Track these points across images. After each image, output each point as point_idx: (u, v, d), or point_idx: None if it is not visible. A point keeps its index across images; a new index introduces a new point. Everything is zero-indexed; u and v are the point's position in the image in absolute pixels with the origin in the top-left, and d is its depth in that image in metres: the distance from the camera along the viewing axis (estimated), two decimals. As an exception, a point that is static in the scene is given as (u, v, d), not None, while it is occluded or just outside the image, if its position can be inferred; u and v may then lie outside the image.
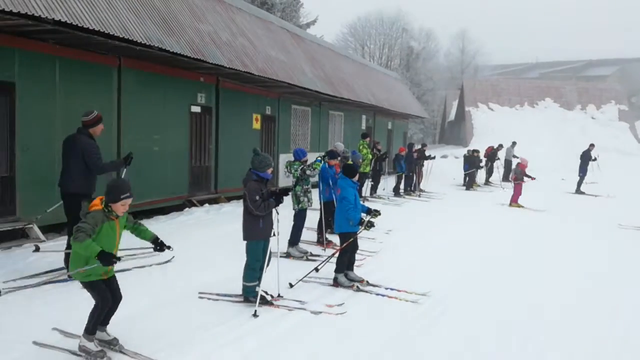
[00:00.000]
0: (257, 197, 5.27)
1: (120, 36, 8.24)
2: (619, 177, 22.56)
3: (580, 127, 38.10)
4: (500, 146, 22.42)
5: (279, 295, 5.69)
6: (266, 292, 5.49)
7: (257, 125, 14.28)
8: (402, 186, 16.36)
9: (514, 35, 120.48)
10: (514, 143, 23.67)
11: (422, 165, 17.73)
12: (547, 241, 10.02)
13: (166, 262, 6.85)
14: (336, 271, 6.32)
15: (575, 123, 38.53)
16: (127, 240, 4.89)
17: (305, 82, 14.63)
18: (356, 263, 7.01)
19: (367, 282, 6.34)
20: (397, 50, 53.72)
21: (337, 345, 4.61)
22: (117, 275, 4.46)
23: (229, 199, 12.54)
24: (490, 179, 21.29)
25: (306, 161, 7.83)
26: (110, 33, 8.04)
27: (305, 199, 7.74)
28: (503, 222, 12.19)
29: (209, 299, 5.52)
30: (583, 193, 19.03)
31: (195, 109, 11.83)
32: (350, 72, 20.25)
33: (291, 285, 6.03)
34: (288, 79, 13.67)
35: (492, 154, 21.54)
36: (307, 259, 7.27)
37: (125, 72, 9.81)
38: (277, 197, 5.55)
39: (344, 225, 6.32)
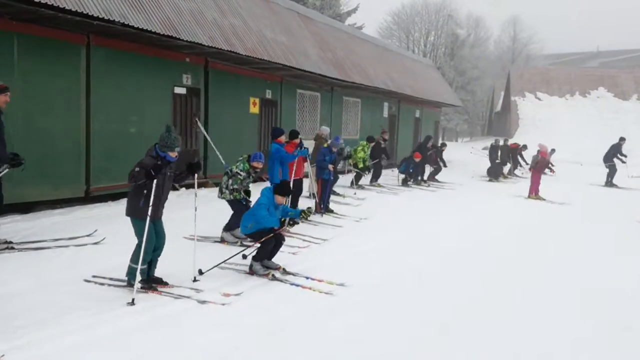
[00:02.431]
0: (137, 168, 4.80)
1: (73, 9, 7.92)
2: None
3: (635, 118, 35.30)
4: (525, 147, 20.75)
5: (194, 280, 5.24)
6: (159, 279, 5.01)
7: (254, 109, 13.80)
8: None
9: (573, 23, 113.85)
10: (553, 150, 22.02)
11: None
12: (538, 243, 8.64)
13: (95, 243, 6.51)
14: (254, 258, 5.75)
15: (631, 114, 35.73)
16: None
17: (306, 65, 13.98)
18: (293, 250, 6.43)
19: (284, 269, 5.74)
20: (442, 38, 51.85)
21: (191, 337, 4.09)
22: (32, 252, 4.20)
23: (217, 185, 12.13)
24: (516, 171, 19.81)
25: (256, 167, 7.36)
26: (60, 6, 7.73)
27: (227, 192, 7.30)
28: (497, 214, 11.14)
29: (95, 282, 5.10)
30: (615, 186, 17.39)
31: (180, 90, 11.47)
32: (367, 56, 19.38)
33: (201, 272, 5.51)
34: (285, 60, 13.08)
35: (513, 150, 19.98)
36: (242, 244, 6.73)
37: (96, 51, 9.53)
38: (189, 168, 5.21)
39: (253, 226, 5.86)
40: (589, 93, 38.16)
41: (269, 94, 14.33)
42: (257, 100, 13.84)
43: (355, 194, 12.11)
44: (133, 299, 4.59)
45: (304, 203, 9.80)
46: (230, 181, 7.35)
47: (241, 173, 7.30)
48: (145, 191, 4.89)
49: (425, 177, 16.10)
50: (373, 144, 13.91)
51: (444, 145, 18.30)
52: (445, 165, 16.94)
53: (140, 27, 9.03)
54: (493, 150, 18.49)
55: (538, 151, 14.06)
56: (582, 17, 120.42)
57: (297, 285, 5.34)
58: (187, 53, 11.40)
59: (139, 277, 4.78)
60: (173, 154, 5.08)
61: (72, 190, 9.36)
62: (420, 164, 15.20)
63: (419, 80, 24.05)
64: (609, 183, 17.69)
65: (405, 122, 23.62)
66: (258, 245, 5.72)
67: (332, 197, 11.26)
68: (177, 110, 11.47)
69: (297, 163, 8.64)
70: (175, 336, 4.06)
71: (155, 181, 4.88)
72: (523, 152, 20.46)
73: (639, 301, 5.85)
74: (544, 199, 13.34)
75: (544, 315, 5.15)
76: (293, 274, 5.67)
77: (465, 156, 25.31)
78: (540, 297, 5.75)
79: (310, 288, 5.26)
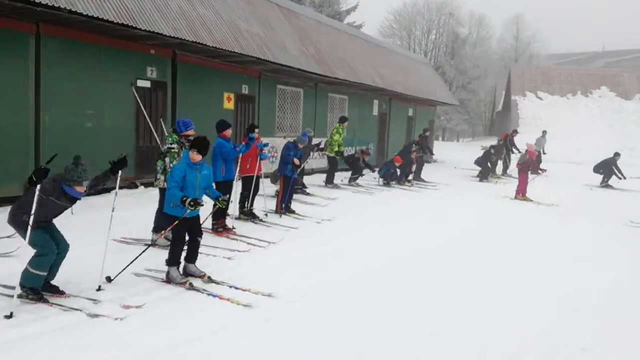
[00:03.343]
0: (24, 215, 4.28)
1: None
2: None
3: (638, 118, 34.47)
4: (515, 132, 20.09)
5: (98, 289, 4.65)
6: (55, 287, 4.45)
7: (229, 104, 13.24)
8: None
9: (579, 22, 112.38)
10: (544, 132, 21.30)
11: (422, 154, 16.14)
12: (501, 248, 7.93)
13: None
14: (168, 264, 5.15)
15: (633, 114, 34.88)
16: None
17: (284, 59, 13.40)
18: (230, 254, 5.85)
19: (209, 277, 5.15)
20: (444, 37, 51.11)
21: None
22: None
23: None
24: (508, 171, 19.14)
25: (188, 136, 6.64)
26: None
27: (162, 177, 6.61)
28: (473, 217, 10.43)
29: (-14, 291, 4.54)
30: (611, 187, 16.70)
31: (144, 83, 10.93)
32: (355, 52, 18.78)
33: (109, 280, 4.94)
34: (259, 54, 12.50)
35: (504, 142, 19.33)
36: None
37: (46, 41, 9.00)
38: (113, 166, 4.70)
39: (168, 206, 5.16)
40: (591, 92, 37.33)
41: (245, 89, 13.77)
42: (232, 96, 13.28)
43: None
44: (11, 312, 4.02)
45: (264, 204, 9.24)
46: (167, 160, 6.61)
47: (173, 146, 6.61)
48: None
49: (410, 177, 15.48)
50: (345, 123, 13.30)
51: (426, 130, 17.62)
52: (432, 153, 16.28)
53: (89, 14, 8.49)
54: (486, 154, 17.76)
55: (526, 150, 13.39)
56: (587, 17, 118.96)
57: (215, 296, 4.75)
58: (151, 44, 10.86)
59: (22, 288, 4.23)
60: (80, 189, 4.48)
61: (18, 188, 8.82)
62: (402, 166, 14.59)
63: (411, 77, 23.40)
64: (605, 184, 17.01)
65: (397, 120, 22.98)
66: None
67: (300, 197, 10.70)
68: (141, 104, 10.91)
69: (251, 159, 8.02)
70: (46, 356, 3.49)
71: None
72: (514, 138, 19.79)
73: (594, 320, 5.22)
74: (531, 200, 12.69)
75: (488, 331, 4.57)
76: (217, 283, 5.08)
77: (459, 155, 24.73)
78: (493, 308, 5.17)
79: (228, 299, 4.68)
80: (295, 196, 10.81)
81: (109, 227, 4.98)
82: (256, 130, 8.16)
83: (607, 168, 17.00)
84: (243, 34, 12.51)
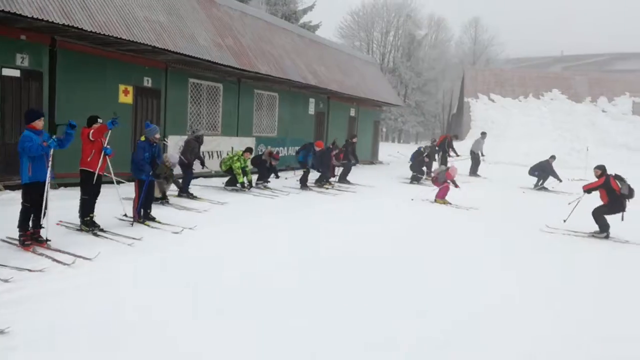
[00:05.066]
0: None
1: None
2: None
3: (588, 121, 34.58)
4: (456, 137, 19.46)
5: None
6: None
7: (126, 98, 12.00)
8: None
9: (538, 27, 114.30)
10: (483, 134, 20.72)
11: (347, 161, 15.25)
12: (374, 262, 6.78)
13: None
14: None
15: (584, 116, 34.98)
16: None
17: (187, 49, 12.24)
18: (8, 276, 4.67)
19: None
20: (401, 39, 50.75)
21: None
22: None
23: (65, 185, 10.31)
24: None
25: None
26: None
27: None
28: (374, 222, 9.42)
29: None
30: (546, 189, 16.16)
31: (11, 72, 9.64)
32: (285, 47, 17.76)
33: None
34: (156, 42, 11.32)
35: (441, 144, 18.68)
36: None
37: None
38: None
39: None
40: (543, 95, 37.34)
41: (148, 82, 12.56)
42: (129, 88, 12.05)
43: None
44: None
45: (123, 209, 8.05)
46: None
47: None
48: None
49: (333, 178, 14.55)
50: (249, 155, 12.13)
51: (353, 137, 16.67)
52: (357, 161, 15.40)
53: None
54: (417, 154, 16.97)
55: (448, 168, 12.54)
56: (547, 23, 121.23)
57: None
58: (20, 29, 9.58)
59: None
60: None
61: None
62: (323, 170, 13.61)
63: (352, 76, 22.54)
64: (540, 186, 16.44)
65: (337, 120, 22.06)
66: None
67: (178, 201, 9.55)
68: (9, 96, 9.63)
69: (95, 151, 6.74)
70: None
71: None
72: (453, 142, 19.10)
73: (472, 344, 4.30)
74: (450, 204, 11.88)
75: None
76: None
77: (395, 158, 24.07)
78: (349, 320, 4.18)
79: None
80: (173, 200, 9.70)
81: None
82: (99, 120, 6.87)
83: (543, 170, 16.44)
84: (139, 21, 11.32)
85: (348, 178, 15.25)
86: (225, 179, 12.20)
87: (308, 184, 13.25)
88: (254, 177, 12.60)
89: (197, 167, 11.71)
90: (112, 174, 7.39)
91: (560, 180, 16.12)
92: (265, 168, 12.71)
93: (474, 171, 19.83)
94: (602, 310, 5.48)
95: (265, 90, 17.03)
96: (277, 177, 12.92)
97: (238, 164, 11.52)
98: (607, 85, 37.47)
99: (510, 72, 41.40)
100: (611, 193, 9.10)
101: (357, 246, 7.34)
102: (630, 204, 9.19)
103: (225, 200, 9.97)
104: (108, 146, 6.90)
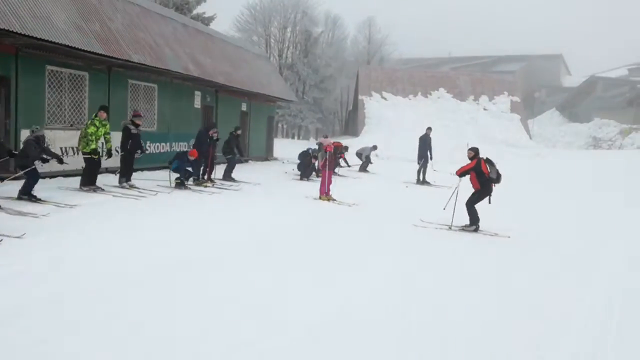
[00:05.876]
0: None
1: None
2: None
3: (471, 118, 36.70)
4: (346, 148, 19.46)
5: None
6: None
7: (-37, 86, 10.37)
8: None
9: (431, 30, 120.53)
10: (374, 147, 21.22)
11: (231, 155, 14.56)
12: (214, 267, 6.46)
13: None
14: None
15: (467, 114, 37.08)
16: None
17: (40, 32, 10.83)
18: None
19: None
20: (298, 35, 50.63)
21: None
22: None
23: None
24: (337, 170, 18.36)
25: None
26: None
27: None
28: (246, 222, 8.80)
29: None
30: (428, 183, 16.60)
31: None
32: (166, 35, 16.61)
33: None
34: (-1, 22, 9.86)
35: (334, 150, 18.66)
36: None
37: None
38: None
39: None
40: (431, 93, 39.06)
41: (-8, 69, 10.97)
42: (-33, 75, 10.42)
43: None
44: None
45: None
46: None
47: None
48: None
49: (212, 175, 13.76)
50: (103, 114, 10.73)
51: (237, 129, 15.94)
52: (242, 155, 14.75)
53: None
54: (304, 155, 16.64)
55: (320, 144, 12.28)
56: (439, 26, 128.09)
57: None
58: None
59: None
60: None
61: None
62: (197, 162, 12.77)
63: (242, 69, 21.78)
64: (422, 180, 16.85)
65: (227, 115, 21.12)
66: None
67: (12, 205, 8.36)
68: None
69: None
70: None
71: None
72: (345, 155, 19.06)
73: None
74: (334, 200, 11.65)
75: None
76: None
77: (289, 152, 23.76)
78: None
79: None
80: (8, 204, 8.46)
81: None
82: None
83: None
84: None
85: (233, 175, 14.55)
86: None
87: (186, 183, 12.34)
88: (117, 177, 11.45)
89: (54, 165, 10.41)
90: None
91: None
92: (126, 162, 11.44)
93: (363, 167, 20.02)
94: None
95: (142, 81, 15.75)
96: (143, 152, 11.93)
97: (93, 129, 10.26)
98: (489, 85, 40.09)
99: (401, 71, 42.87)
100: (480, 176, 9.24)
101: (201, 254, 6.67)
102: (496, 188, 9.34)
103: (74, 203, 8.73)
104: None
